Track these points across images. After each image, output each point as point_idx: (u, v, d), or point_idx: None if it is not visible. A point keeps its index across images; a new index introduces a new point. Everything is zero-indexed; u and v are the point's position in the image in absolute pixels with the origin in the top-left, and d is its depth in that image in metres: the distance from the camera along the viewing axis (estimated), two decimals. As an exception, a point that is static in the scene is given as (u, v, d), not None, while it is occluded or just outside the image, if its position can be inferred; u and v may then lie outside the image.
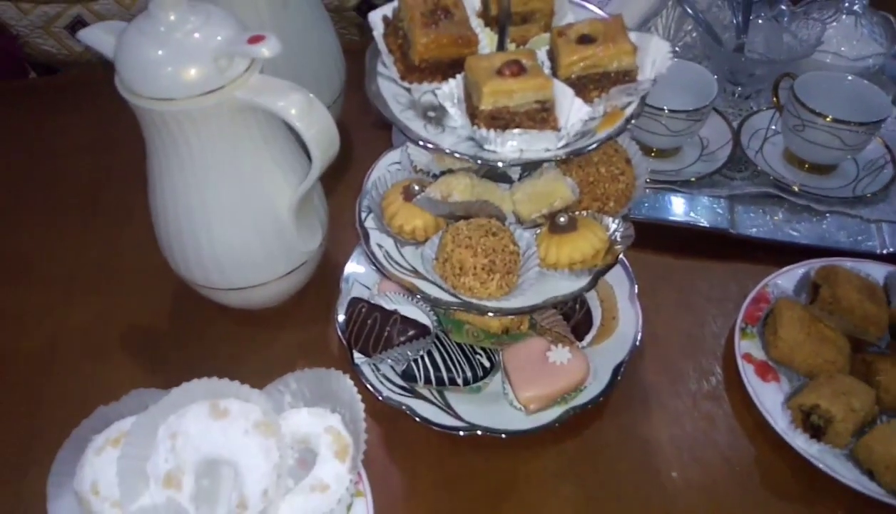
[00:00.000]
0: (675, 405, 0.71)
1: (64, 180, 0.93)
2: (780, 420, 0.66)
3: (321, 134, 0.62)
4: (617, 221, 0.64)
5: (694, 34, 1.03)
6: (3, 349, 0.75)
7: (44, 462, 0.56)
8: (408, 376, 0.67)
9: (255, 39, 0.58)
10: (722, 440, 0.68)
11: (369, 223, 0.67)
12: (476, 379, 0.67)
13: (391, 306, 0.67)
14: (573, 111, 0.53)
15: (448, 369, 0.67)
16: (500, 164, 0.55)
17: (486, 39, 0.58)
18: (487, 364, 0.68)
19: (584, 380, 0.68)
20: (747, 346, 0.72)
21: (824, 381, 0.66)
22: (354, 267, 0.79)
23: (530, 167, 0.65)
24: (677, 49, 1.03)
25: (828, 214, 0.86)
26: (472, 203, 0.61)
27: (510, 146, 0.54)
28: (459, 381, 0.67)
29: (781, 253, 0.82)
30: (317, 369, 0.60)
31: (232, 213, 0.66)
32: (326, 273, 0.78)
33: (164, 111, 0.59)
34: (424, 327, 0.66)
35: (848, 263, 0.76)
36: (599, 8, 0.64)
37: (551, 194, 0.62)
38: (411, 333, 0.65)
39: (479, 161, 0.55)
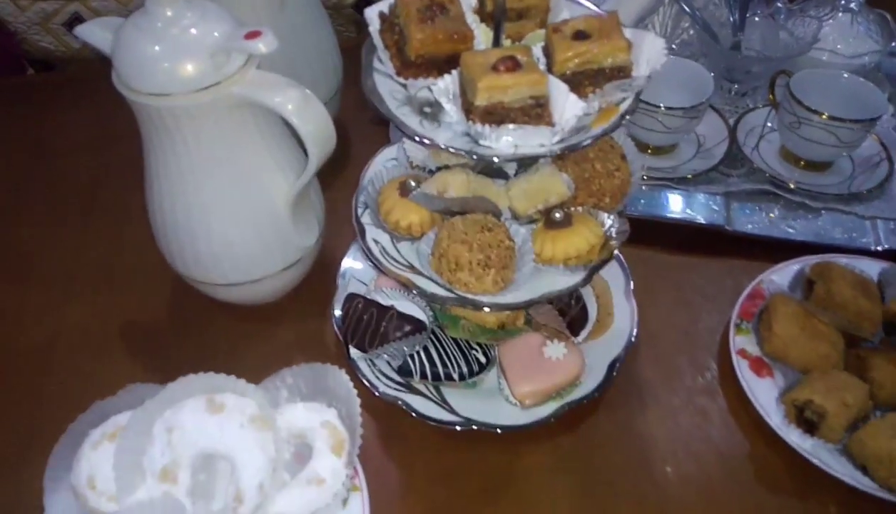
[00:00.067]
0: (669, 401, 0.71)
1: (62, 177, 0.93)
2: (774, 415, 0.67)
3: (317, 130, 0.62)
4: (612, 216, 0.64)
5: (691, 31, 1.03)
6: (2, 346, 0.75)
7: (41, 457, 0.56)
8: (404, 371, 0.68)
9: (251, 35, 0.58)
10: (716, 435, 0.68)
11: (365, 219, 0.67)
12: (472, 374, 0.67)
13: (387, 301, 0.68)
14: (568, 107, 0.54)
15: (444, 365, 0.67)
16: (495, 159, 0.55)
17: (482, 35, 0.58)
18: (483, 360, 0.68)
19: (580, 375, 0.68)
20: (742, 342, 0.73)
21: (818, 376, 0.66)
22: (351, 263, 0.79)
23: (526, 163, 0.65)
24: (674, 46, 1.03)
25: (823, 211, 0.87)
26: (468, 199, 0.62)
27: (505, 141, 0.54)
28: (455, 376, 0.67)
29: (777, 250, 0.82)
30: (313, 364, 0.60)
31: (229, 208, 0.66)
32: (323, 269, 0.78)
33: (160, 107, 0.59)
34: (420, 322, 0.66)
35: (842, 259, 0.77)
36: (596, 5, 0.65)
37: (547, 190, 0.63)
38: (407, 328, 0.65)
39: (475, 156, 0.55)
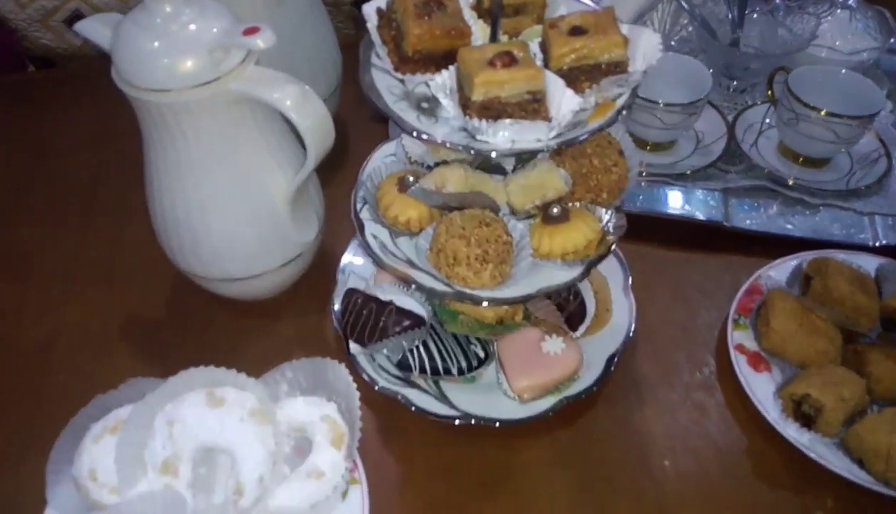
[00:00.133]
0: (667, 396, 0.71)
1: (62, 174, 0.93)
2: (771, 410, 0.67)
3: (316, 125, 0.62)
4: (610, 212, 0.65)
5: (690, 28, 1.03)
6: (3, 345, 0.75)
7: (43, 452, 0.56)
8: (403, 365, 0.68)
9: (250, 31, 0.58)
10: (714, 430, 0.69)
11: (364, 214, 0.67)
12: (471, 369, 0.68)
13: (386, 296, 0.68)
14: (564, 102, 0.54)
15: (443, 359, 0.67)
16: (492, 154, 0.55)
17: (479, 31, 0.58)
18: (482, 354, 0.68)
19: (578, 370, 0.68)
20: (740, 337, 0.73)
21: (815, 371, 0.67)
22: (350, 258, 0.79)
23: (524, 159, 0.65)
24: (673, 43, 1.03)
25: (821, 207, 0.87)
26: (466, 194, 0.62)
27: (502, 136, 0.54)
28: (454, 371, 0.67)
29: (775, 246, 0.82)
30: (313, 358, 0.60)
31: (228, 204, 0.67)
32: (323, 264, 0.79)
33: (160, 103, 0.60)
34: (419, 317, 0.67)
35: (840, 255, 0.77)
36: (594, 1, 0.65)
37: (544, 185, 0.63)
38: (406, 323, 0.66)
39: (472, 151, 0.55)
